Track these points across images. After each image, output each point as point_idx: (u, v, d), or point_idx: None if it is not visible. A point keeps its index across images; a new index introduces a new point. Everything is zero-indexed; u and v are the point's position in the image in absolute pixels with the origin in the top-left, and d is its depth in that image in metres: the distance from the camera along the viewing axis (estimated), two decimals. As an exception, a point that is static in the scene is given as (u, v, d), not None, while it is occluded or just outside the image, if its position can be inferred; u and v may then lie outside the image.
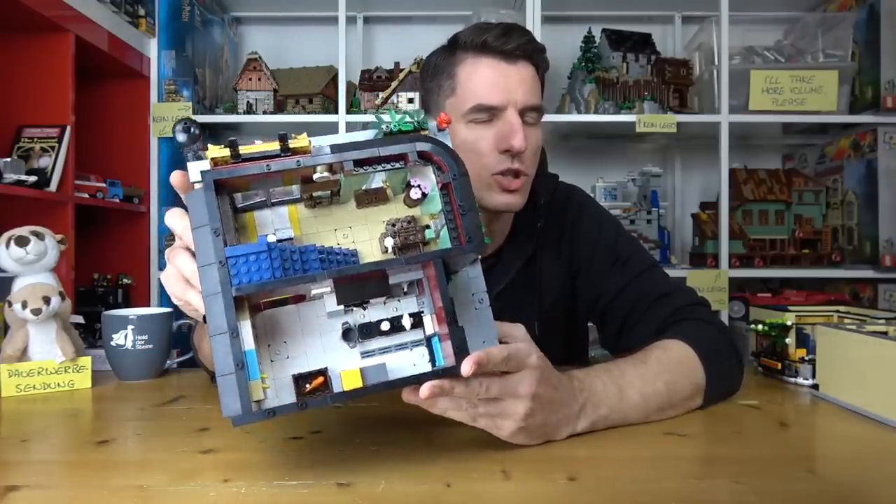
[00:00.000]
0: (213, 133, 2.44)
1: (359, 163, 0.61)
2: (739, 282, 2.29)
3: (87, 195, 1.81)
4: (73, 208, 1.72)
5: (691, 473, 0.63)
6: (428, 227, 0.64)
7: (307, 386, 0.60)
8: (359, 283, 0.59)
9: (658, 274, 1.06)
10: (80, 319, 1.07)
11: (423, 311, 0.63)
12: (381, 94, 2.20)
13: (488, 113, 0.99)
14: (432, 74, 1.07)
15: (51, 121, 1.71)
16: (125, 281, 2.07)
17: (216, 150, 0.58)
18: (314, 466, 0.64)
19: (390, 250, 0.63)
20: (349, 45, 2.25)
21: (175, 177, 0.63)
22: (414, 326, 0.63)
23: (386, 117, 0.64)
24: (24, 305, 0.96)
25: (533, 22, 2.14)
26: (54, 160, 1.67)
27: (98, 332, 1.19)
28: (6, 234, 0.98)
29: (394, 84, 2.19)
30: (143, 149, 2.15)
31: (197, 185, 0.59)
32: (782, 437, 0.76)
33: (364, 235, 0.65)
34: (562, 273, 1.12)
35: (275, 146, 0.59)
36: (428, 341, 0.63)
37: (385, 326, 0.63)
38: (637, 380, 0.77)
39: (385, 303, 0.63)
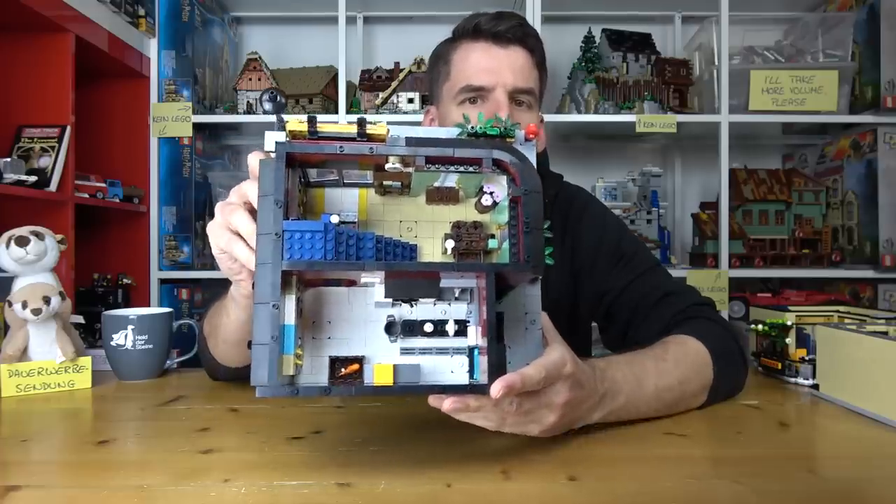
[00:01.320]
0: (213, 133, 2.44)
1: (431, 160, 0.60)
2: (739, 282, 2.29)
3: (87, 195, 1.81)
4: (73, 208, 1.71)
5: (691, 473, 0.63)
6: (493, 236, 0.63)
7: (342, 370, 0.60)
8: (409, 281, 0.58)
9: (662, 273, 1.07)
10: (80, 319, 1.07)
11: (469, 321, 0.63)
12: (381, 94, 2.20)
13: (477, 93, 1.02)
14: (433, 63, 1.12)
15: (51, 121, 1.71)
16: (125, 281, 2.07)
17: (295, 124, 0.58)
18: (314, 466, 0.64)
19: (449, 252, 0.62)
20: (349, 45, 2.25)
21: (252, 159, 0.63)
22: (458, 334, 0.62)
23: (473, 118, 0.63)
24: (25, 305, 0.96)
25: (533, 22, 2.14)
26: (54, 160, 1.67)
27: (98, 332, 1.19)
28: (6, 234, 0.98)
29: (394, 84, 2.19)
30: (143, 149, 2.14)
31: (272, 155, 0.59)
32: (782, 437, 0.76)
33: (428, 232, 0.65)
34: (565, 272, 1.12)
35: (352, 129, 0.58)
36: (470, 352, 0.62)
37: (428, 328, 0.62)
38: (655, 374, 0.78)
39: (435, 304, 0.63)
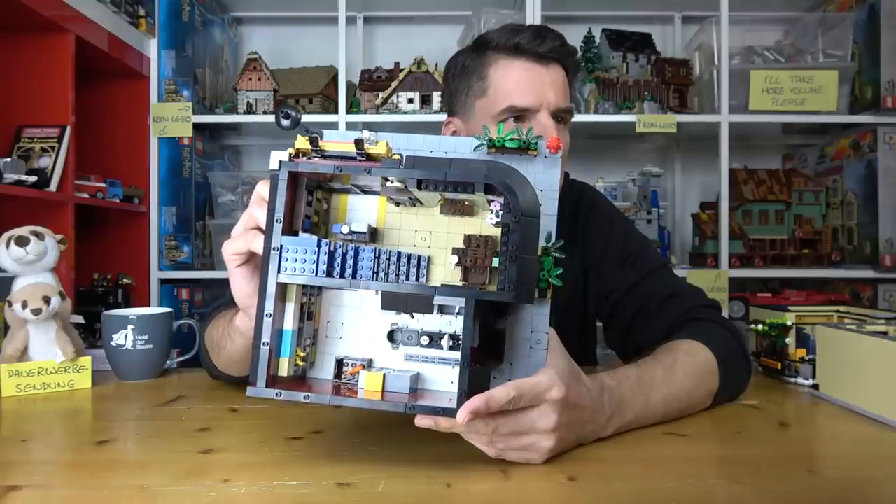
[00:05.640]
0: (213, 133, 2.44)
1: (422, 183, 0.61)
2: (739, 282, 2.29)
3: (87, 195, 1.81)
4: (73, 208, 1.71)
5: (691, 473, 0.63)
6: (497, 253, 0.63)
7: (347, 370, 0.64)
8: (403, 296, 0.62)
9: (668, 274, 1.06)
10: (80, 319, 1.07)
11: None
12: (381, 95, 2.20)
13: (521, 114, 1.00)
14: (460, 75, 1.07)
15: (51, 121, 1.71)
16: (125, 281, 2.07)
17: (301, 142, 0.61)
18: (314, 466, 0.64)
19: (453, 268, 0.63)
20: (349, 45, 2.25)
21: (260, 187, 0.67)
22: (454, 348, 0.63)
23: (493, 130, 0.64)
24: (25, 305, 0.96)
25: (533, 22, 2.14)
26: (54, 160, 1.67)
27: (98, 332, 1.19)
28: (6, 234, 0.98)
29: (394, 84, 2.19)
30: (143, 149, 2.14)
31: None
32: (782, 437, 0.76)
33: (442, 243, 0.66)
34: (574, 271, 1.12)
35: (352, 148, 0.60)
36: None
37: (424, 341, 0.64)
38: (664, 388, 0.77)
39: (441, 315, 0.64)
